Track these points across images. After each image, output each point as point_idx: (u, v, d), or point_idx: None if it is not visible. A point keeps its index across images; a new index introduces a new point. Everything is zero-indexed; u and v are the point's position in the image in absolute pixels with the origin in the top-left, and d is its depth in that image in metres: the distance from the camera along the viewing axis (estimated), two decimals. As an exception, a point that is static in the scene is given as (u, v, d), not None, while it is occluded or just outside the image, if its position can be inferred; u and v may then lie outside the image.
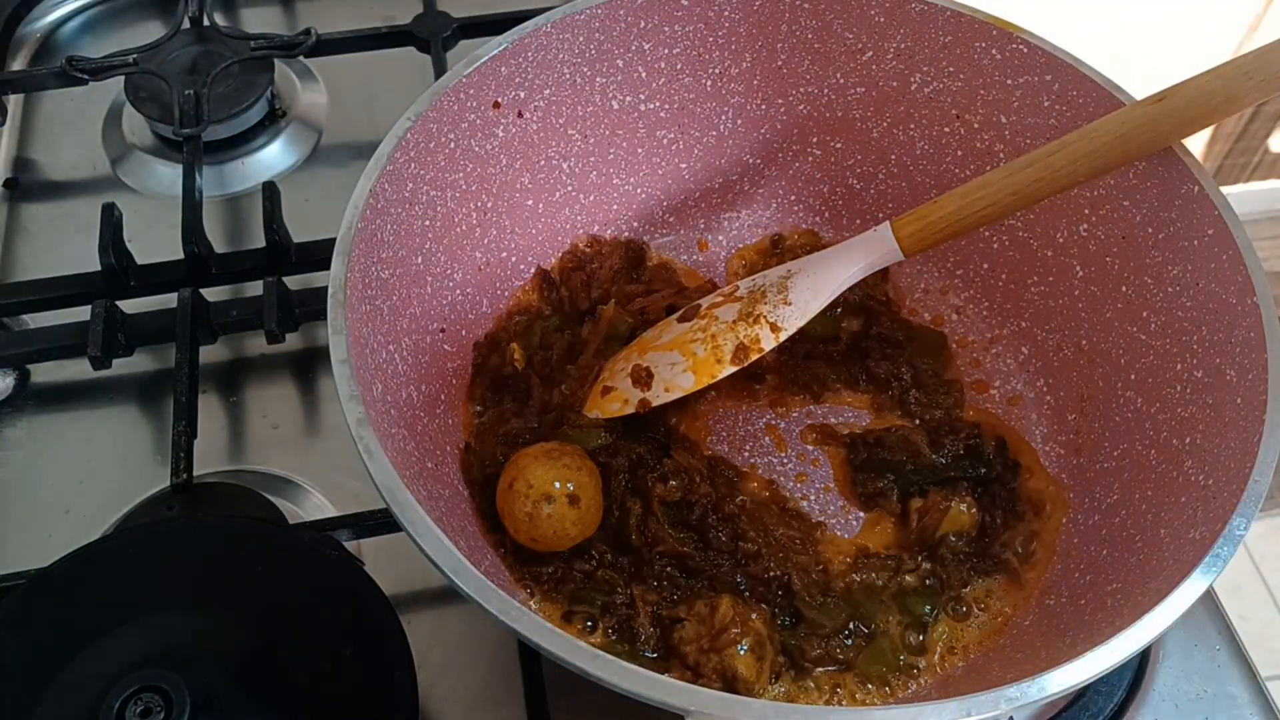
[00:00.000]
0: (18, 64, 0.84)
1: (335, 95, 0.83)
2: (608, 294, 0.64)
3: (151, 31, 0.84)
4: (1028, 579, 0.56)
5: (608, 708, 0.52)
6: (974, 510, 0.57)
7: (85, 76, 0.76)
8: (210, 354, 0.66)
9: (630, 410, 0.58)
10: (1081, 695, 0.54)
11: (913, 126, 0.64)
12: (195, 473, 0.58)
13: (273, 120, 0.79)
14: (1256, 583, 1.60)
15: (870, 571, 0.56)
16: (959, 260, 0.67)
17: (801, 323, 0.58)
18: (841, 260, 0.59)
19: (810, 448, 0.61)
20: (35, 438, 0.64)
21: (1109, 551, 0.52)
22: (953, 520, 0.56)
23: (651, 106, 0.64)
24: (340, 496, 0.61)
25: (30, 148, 0.79)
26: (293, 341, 0.67)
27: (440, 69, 0.77)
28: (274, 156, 0.78)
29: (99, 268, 0.65)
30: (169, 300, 0.65)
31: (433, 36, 0.79)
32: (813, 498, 0.59)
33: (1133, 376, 0.56)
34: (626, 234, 0.68)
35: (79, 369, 0.64)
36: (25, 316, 0.68)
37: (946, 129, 0.63)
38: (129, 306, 0.65)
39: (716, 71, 0.64)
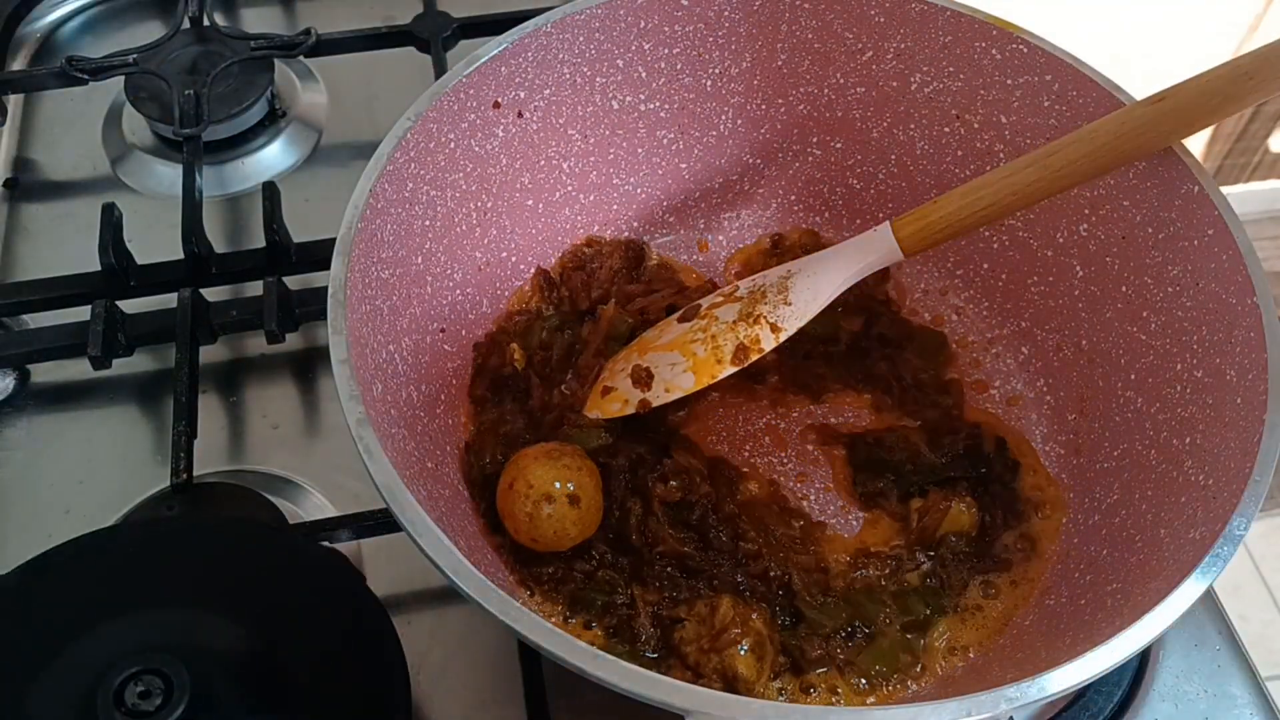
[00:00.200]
0: (18, 64, 0.84)
1: (335, 95, 0.83)
2: (608, 294, 0.64)
3: (151, 31, 0.84)
4: (1028, 579, 0.56)
5: (608, 708, 0.52)
6: (974, 510, 0.57)
7: (85, 76, 0.76)
8: (210, 354, 0.66)
9: (630, 411, 0.58)
10: (1081, 695, 0.54)
11: (913, 126, 0.64)
12: (195, 473, 0.58)
13: (273, 120, 0.79)
14: (1256, 583, 1.60)
15: (870, 571, 0.56)
16: (959, 260, 0.67)
17: (801, 323, 0.58)
18: (841, 260, 0.59)
19: (810, 448, 0.61)
20: (35, 438, 0.64)
21: (1109, 551, 0.52)
22: (953, 520, 0.56)
23: (651, 106, 0.64)
24: (340, 496, 0.61)
25: (30, 148, 0.79)
26: (293, 341, 0.67)
27: (440, 69, 0.77)
28: (274, 156, 0.78)
29: (99, 268, 0.65)
30: (169, 300, 0.65)
31: (433, 36, 0.79)
32: (813, 498, 0.59)
33: (1133, 376, 0.56)
34: (626, 234, 0.68)
35: (79, 369, 0.64)
36: (25, 316, 0.68)
37: (946, 129, 0.63)
38: (129, 306, 0.65)
39: (716, 71, 0.64)
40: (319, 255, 0.68)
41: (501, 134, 0.59)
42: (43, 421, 0.65)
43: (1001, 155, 0.61)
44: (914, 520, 0.58)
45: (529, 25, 0.58)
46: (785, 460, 0.61)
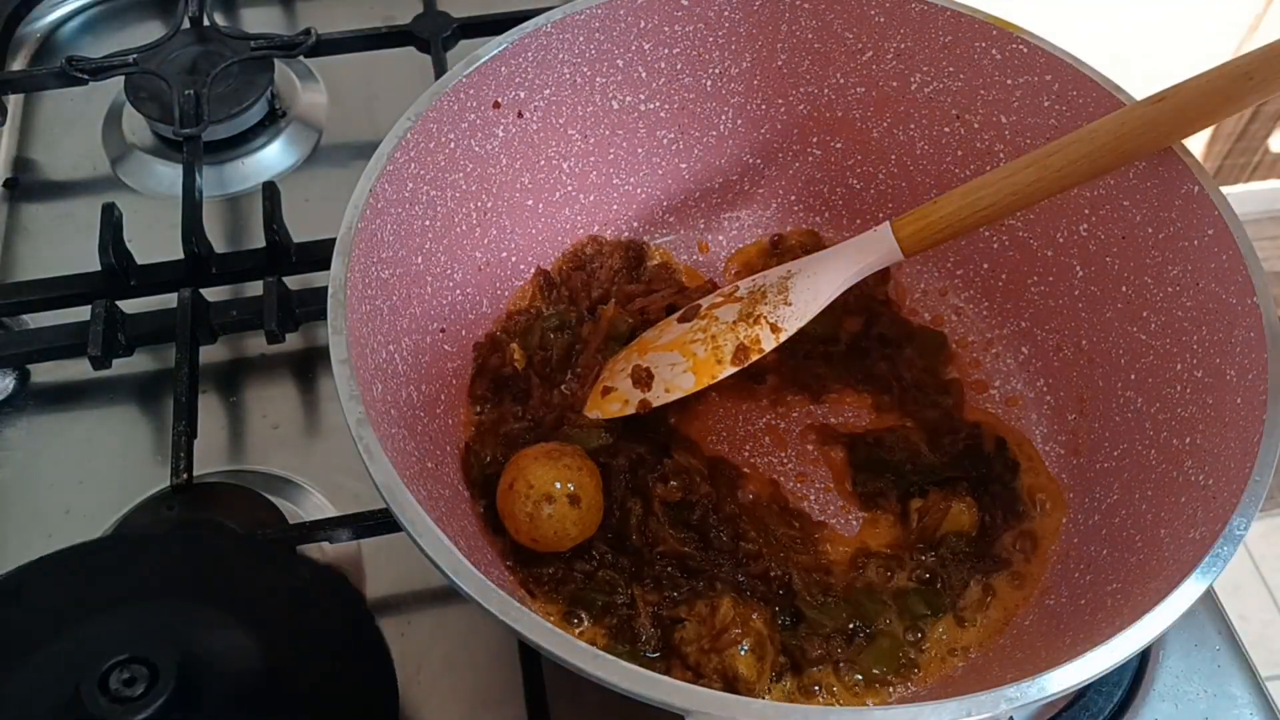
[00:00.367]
0: (18, 64, 0.84)
1: (335, 95, 0.83)
2: (608, 294, 0.64)
3: (151, 31, 0.84)
4: (1028, 579, 0.56)
5: (608, 708, 0.53)
6: (974, 510, 0.57)
7: (85, 76, 0.76)
8: (210, 354, 0.66)
9: (630, 411, 0.58)
10: (1081, 695, 0.54)
11: (913, 126, 0.64)
12: (195, 473, 0.58)
13: (273, 120, 0.79)
14: (1256, 583, 1.60)
15: (870, 571, 0.56)
16: (959, 260, 0.67)
17: (802, 323, 0.58)
18: (841, 260, 0.59)
19: (810, 448, 0.61)
20: (35, 438, 0.64)
21: (1109, 551, 0.52)
22: (953, 520, 0.56)
23: (651, 106, 0.64)
24: (340, 496, 0.61)
25: (30, 148, 0.79)
26: (293, 341, 0.67)
27: (440, 69, 0.77)
28: (274, 156, 0.78)
29: (99, 268, 0.65)
30: (169, 300, 0.65)
31: (433, 36, 0.79)
32: (813, 498, 0.59)
33: (1133, 376, 0.56)
34: (626, 234, 0.68)
35: (79, 369, 0.64)
36: (25, 316, 0.68)
37: (946, 129, 0.63)
38: (129, 306, 0.65)
39: (716, 71, 0.64)
40: (319, 255, 0.68)
41: (501, 134, 0.59)
42: (43, 421, 0.65)
43: (1001, 155, 0.61)
44: (914, 520, 0.58)
45: (529, 25, 0.58)
46: (785, 460, 0.61)
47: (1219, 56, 0.50)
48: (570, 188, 0.65)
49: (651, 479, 0.56)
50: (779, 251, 0.69)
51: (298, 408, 0.65)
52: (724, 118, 0.66)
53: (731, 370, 0.58)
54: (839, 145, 0.67)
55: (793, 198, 0.70)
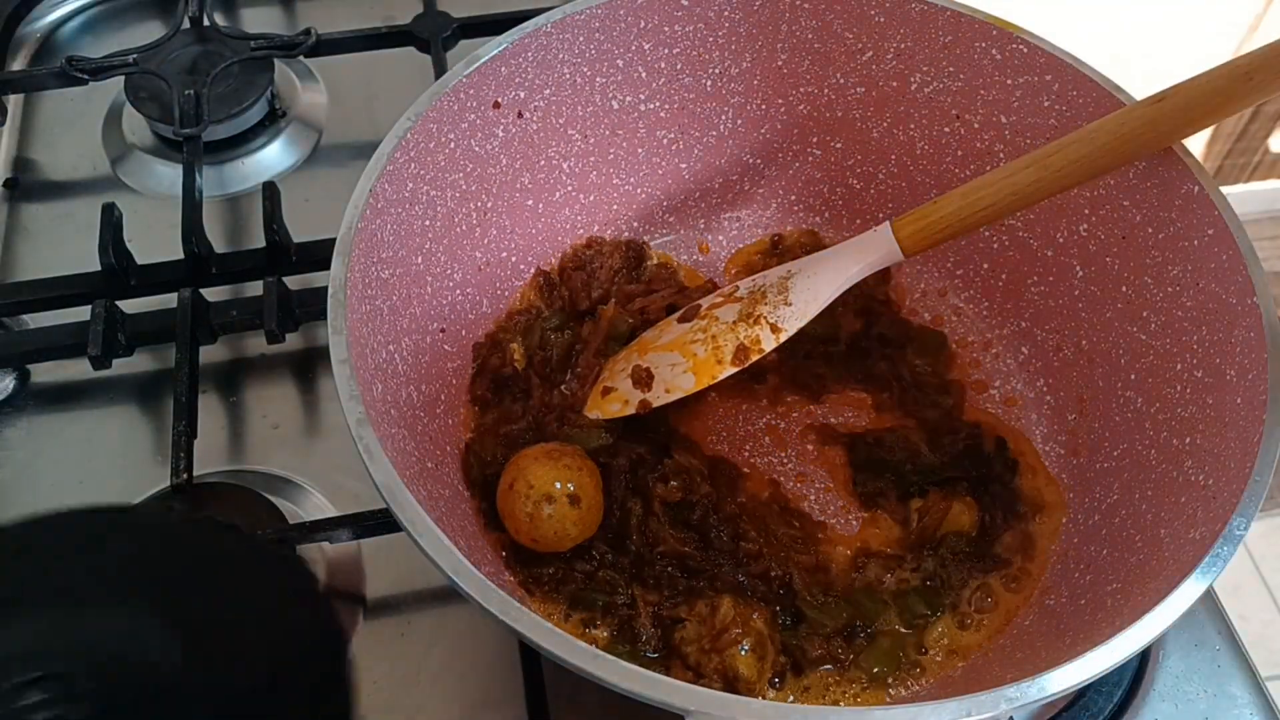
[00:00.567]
0: (18, 64, 0.84)
1: (335, 95, 0.83)
2: (608, 294, 0.64)
3: (151, 31, 0.84)
4: (1028, 579, 0.56)
5: (608, 708, 0.53)
6: (974, 510, 0.57)
7: (85, 76, 0.76)
8: (210, 354, 0.66)
9: (630, 411, 0.58)
10: (1081, 695, 0.54)
11: (913, 126, 0.64)
12: (195, 473, 0.58)
13: (273, 120, 0.79)
14: (1256, 583, 1.60)
15: (871, 571, 0.56)
16: (959, 260, 0.67)
17: (802, 323, 0.58)
18: (841, 260, 0.59)
19: (810, 448, 0.61)
20: (35, 438, 0.64)
21: (1109, 551, 0.52)
22: (953, 520, 0.56)
23: (651, 106, 0.64)
24: (340, 496, 0.61)
25: (30, 148, 0.79)
26: (293, 341, 0.67)
27: (440, 69, 0.77)
28: (274, 156, 0.78)
29: (99, 268, 0.65)
30: (169, 300, 0.64)
31: (433, 36, 0.79)
32: (813, 498, 0.59)
33: (1133, 376, 0.56)
34: (626, 234, 0.68)
35: (79, 369, 0.64)
36: (25, 316, 0.68)
37: (946, 129, 0.63)
38: (129, 306, 0.65)
39: (716, 71, 0.64)
40: (319, 255, 0.68)
41: (501, 134, 0.59)
42: (43, 421, 0.65)
43: (1001, 155, 0.61)
44: (914, 520, 0.58)
45: (529, 25, 0.58)
46: (785, 460, 0.61)
47: (1219, 56, 0.50)
48: (570, 188, 0.65)
49: (651, 479, 0.56)
50: (779, 251, 0.69)
51: (298, 408, 0.65)
52: (724, 118, 0.66)
53: (732, 370, 0.58)
54: (839, 145, 0.67)
55: (793, 198, 0.70)
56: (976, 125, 0.62)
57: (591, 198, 0.66)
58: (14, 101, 0.80)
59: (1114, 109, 0.54)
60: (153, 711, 0.39)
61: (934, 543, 0.57)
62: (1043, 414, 0.62)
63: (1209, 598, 0.57)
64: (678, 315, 0.62)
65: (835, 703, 0.52)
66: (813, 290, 0.59)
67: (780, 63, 0.64)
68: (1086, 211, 0.58)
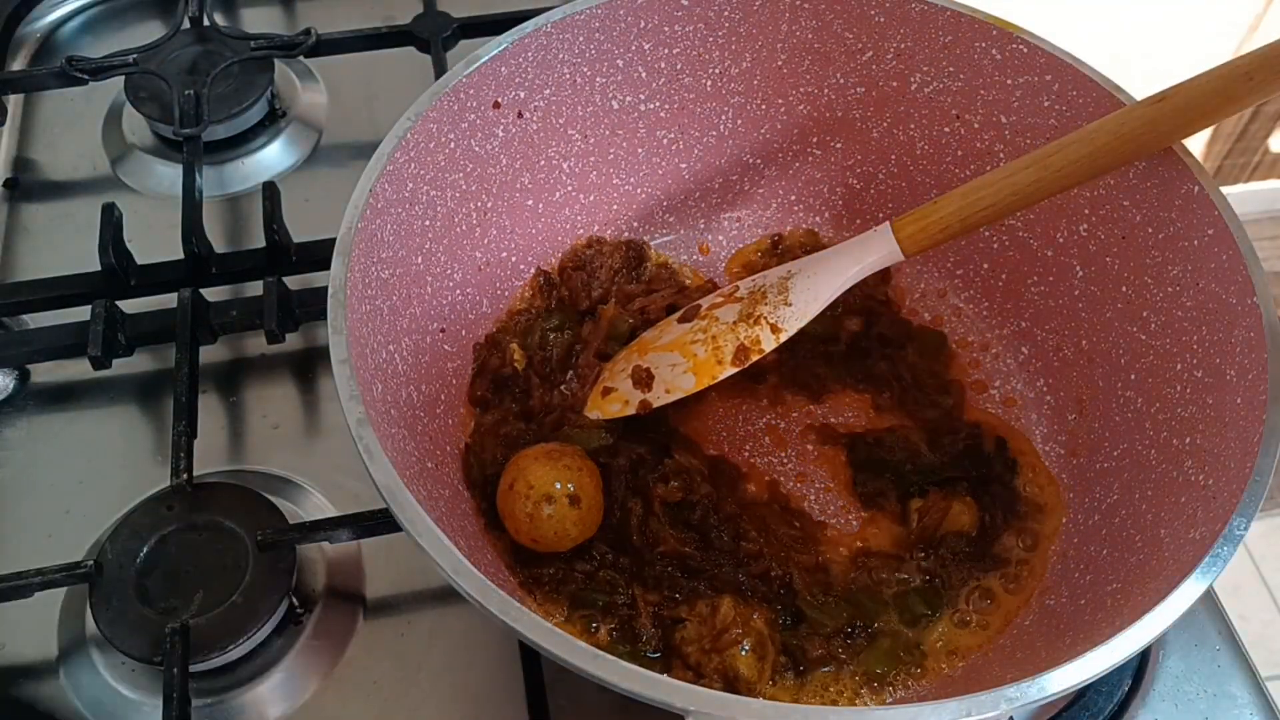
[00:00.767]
0: (18, 64, 0.84)
1: (335, 95, 0.82)
2: (608, 294, 0.64)
3: (151, 31, 0.84)
4: (1028, 579, 0.56)
5: (608, 708, 0.53)
6: (974, 510, 0.57)
7: (85, 76, 0.76)
8: (210, 354, 0.66)
9: (630, 411, 0.58)
10: (1081, 695, 0.54)
11: (913, 126, 0.64)
12: (195, 473, 0.58)
13: (273, 120, 0.79)
14: (1256, 583, 1.60)
15: (871, 571, 0.56)
16: (959, 260, 0.67)
17: (802, 323, 0.58)
18: (841, 260, 0.59)
19: (810, 448, 0.61)
20: (35, 438, 0.64)
21: (1109, 551, 0.52)
22: (953, 520, 0.56)
23: (651, 106, 0.64)
24: (340, 496, 0.61)
25: (30, 148, 0.79)
26: (293, 341, 0.67)
27: (440, 69, 0.77)
28: (274, 156, 0.78)
29: (99, 268, 0.65)
30: (169, 300, 0.64)
31: (433, 36, 0.79)
32: (813, 498, 0.59)
33: (1133, 376, 0.56)
34: (626, 234, 0.68)
35: (79, 369, 0.64)
36: (25, 316, 0.68)
37: (946, 129, 0.63)
38: (129, 306, 0.65)
39: (716, 71, 0.64)
40: (319, 255, 0.68)
41: (501, 134, 0.59)
42: (43, 421, 0.65)
43: (1001, 155, 0.61)
44: (914, 520, 0.58)
45: (529, 25, 0.58)
46: (785, 460, 0.61)
47: (1219, 56, 0.50)
48: (570, 188, 0.65)
49: (652, 479, 0.56)
50: (779, 251, 0.69)
51: (298, 408, 0.65)
52: (724, 118, 0.66)
53: (732, 371, 0.58)
54: (839, 145, 0.67)
55: (793, 198, 0.70)
56: (976, 125, 0.62)
57: (591, 198, 0.66)
58: (14, 101, 0.80)
59: (1114, 109, 0.54)
60: None
61: (934, 543, 0.57)
62: (1043, 414, 0.62)
63: (1209, 598, 0.57)
64: (678, 315, 0.62)
65: (835, 703, 0.52)
66: (813, 290, 0.59)
67: (780, 63, 0.64)
68: (1086, 211, 0.58)
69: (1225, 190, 0.51)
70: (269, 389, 0.66)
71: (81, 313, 0.63)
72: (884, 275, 0.65)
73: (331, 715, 0.54)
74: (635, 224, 0.68)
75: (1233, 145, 1.80)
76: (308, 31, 0.78)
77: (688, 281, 0.67)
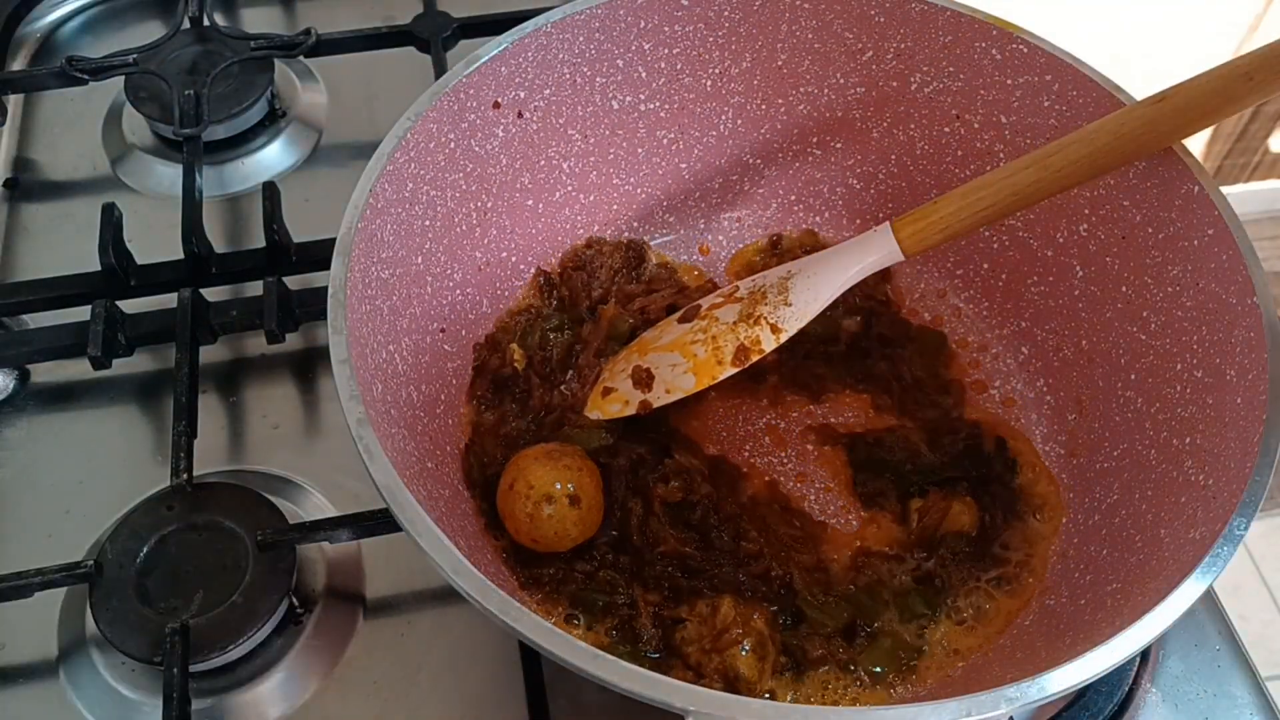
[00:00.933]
0: (18, 64, 0.84)
1: (335, 95, 0.82)
2: (608, 294, 0.64)
3: (151, 31, 0.84)
4: (1028, 579, 0.56)
5: (608, 708, 0.53)
6: (974, 510, 0.57)
7: (85, 76, 0.76)
8: (210, 354, 0.66)
9: (631, 412, 0.58)
10: (1081, 695, 0.54)
11: (913, 126, 0.64)
12: (195, 473, 0.58)
13: (273, 120, 0.79)
14: (1256, 583, 1.60)
15: (871, 571, 0.56)
16: (959, 260, 0.67)
17: (802, 324, 0.58)
18: (841, 260, 0.59)
19: (810, 448, 0.61)
20: (35, 438, 0.64)
21: (1109, 551, 0.52)
22: (953, 520, 0.56)
23: (651, 106, 0.64)
24: (340, 496, 0.61)
25: (30, 148, 0.79)
26: (293, 341, 0.67)
27: (440, 69, 0.77)
28: (274, 156, 0.78)
29: (99, 268, 0.65)
30: (169, 300, 0.64)
31: (433, 36, 0.79)
32: (813, 497, 0.59)
33: (1133, 376, 0.56)
34: (626, 234, 0.68)
35: (79, 369, 0.64)
36: (25, 316, 0.68)
37: (946, 129, 0.63)
38: (129, 306, 0.65)
39: (716, 71, 0.64)
40: (319, 255, 0.68)
41: (501, 134, 0.59)
42: (43, 421, 0.65)
43: (1001, 155, 0.61)
44: (914, 520, 0.58)
45: (529, 25, 0.58)
46: (785, 460, 0.61)
47: (1219, 56, 0.50)
48: (570, 188, 0.65)
49: (652, 479, 0.56)
50: (779, 251, 0.69)
51: (298, 408, 0.65)
52: (724, 118, 0.66)
53: (732, 371, 0.58)
54: (839, 145, 0.67)
55: (793, 198, 0.70)
56: (976, 125, 0.62)
57: (591, 198, 0.66)
58: (14, 101, 0.80)
59: (1114, 109, 0.54)
60: None
61: (934, 543, 0.57)
62: (1043, 414, 0.62)
63: (1209, 598, 0.57)
64: (678, 315, 0.61)
65: (835, 703, 0.52)
66: (813, 290, 0.59)
67: (780, 63, 0.64)
68: (1086, 211, 0.58)
69: (1225, 190, 0.51)
70: (269, 389, 0.66)
71: (81, 313, 0.63)
72: (884, 275, 0.65)
73: (331, 715, 0.54)
74: (635, 224, 0.68)
75: (1233, 145, 1.80)
76: (308, 31, 0.78)
77: (688, 282, 0.67)
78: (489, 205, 0.60)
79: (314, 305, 0.65)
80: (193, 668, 0.51)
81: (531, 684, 0.53)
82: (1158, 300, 0.55)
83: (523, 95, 0.59)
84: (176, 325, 0.63)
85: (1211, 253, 0.51)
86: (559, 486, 0.53)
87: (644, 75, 0.63)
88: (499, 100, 0.58)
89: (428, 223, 0.56)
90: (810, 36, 0.63)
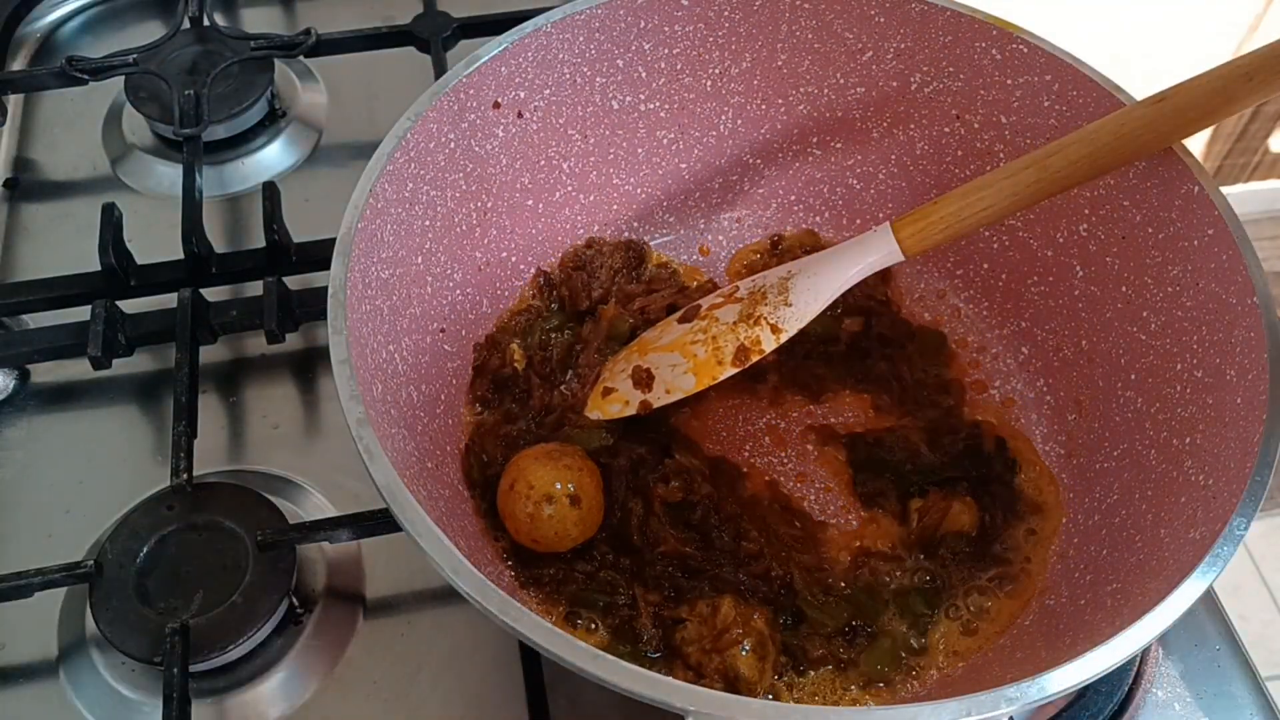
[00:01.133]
0: (18, 64, 0.84)
1: (335, 95, 0.83)
2: (608, 294, 0.64)
3: (151, 31, 0.84)
4: (1028, 579, 0.56)
5: (608, 708, 0.53)
6: (974, 510, 0.57)
7: (85, 76, 0.76)
8: (210, 354, 0.66)
9: (631, 412, 0.58)
10: (1081, 695, 0.54)
11: (913, 126, 0.64)
12: (195, 473, 0.58)
13: (273, 120, 0.79)
14: (1256, 583, 1.60)
15: (871, 571, 0.56)
16: (959, 260, 0.67)
17: (802, 324, 0.58)
18: (842, 261, 0.59)
19: (810, 448, 0.61)
20: (35, 438, 0.64)
21: (1109, 551, 0.52)
22: (953, 520, 0.56)
23: (651, 106, 0.64)
24: (340, 496, 0.61)
25: (30, 148, 0.79)
26: (293, 341, 0.67)
27: (440, 69, 0.77)
28: (274, 156, 0.78)
29: (99, 268, 0.65)
30: (169, 300, 0.65)
31: (433, 36, 0.79)
32: (813, 497, 0.59)
33: (1133, 376, 0.56)
34: (626, 234, 0.68)
35: (79, 369, 0.64)
36: (25, 316, 0.68)
37: (946, 129, 0.63)
38: (129, 306, 0.65)
39: (716, 71, 0.64)
40: (319, 255, 0.68)
41: (501, 134, 0.59)
42: (43, 421, 0.65)
43: (1001, 155, 0.61)
44: (914, 520, 0.58)
45: (529, 25, 0.58)
46: (785, 460, 0.61)
47: (1219, 56, 0.50)
48: (570, 188, 0.65)
49: (652, 479, 0.56)
50: (779, 252, 0.69)
51: (298, 408, 0.65)
52: (724, 118, 0.66)
53: (732, 371, 0.58)
54: (839, 145, 0.67)
55: (793, 198, 0.70)
56: (976, 125, 0.62)
57: (591, 198, 0.66)
58: (14, 101, 0.80)
59: (1114, 109, 0.54)
60: None
61: (934, 543, 0.57)
62: (1043, 414, 0.62)
63: (1209, 598, 0.57)
64: (678, 315, 0.61)
65: (835, 703, 0.52)
66: (813, 290, 0.59)
67: (780, 63, 0.64)
68: (1086, 211, 0.58)
69: (1225, 190, 0.51)
70: (269, 389, 0.66)
71: (81, 313, 0.63)
72: (884, 275, 0.65)
73: (331, 715, 0.54)
74: (635, 224, 0.68)
75: (1233, 145, 1.80)
76: (308, 31, 0.78)
77: (688, 282, 0.67)
78: (489, 205, 0.60)
79: (314, 305, 0.65)
80: (193, 668, 0.51)
81: (531, 684, 0.53)
82: (1158, 300, 0.55)
83: (523, 95, 0.59)
84: (176, 325, 0.63)
85: (1211, 253, 0.51)
86: (559, 487, 0.53)
87: (644, 75, 0.63)
88: (499, 100, 0.58)
89: (428, 223, 0.56)
90: (810, 36, 0.63)
